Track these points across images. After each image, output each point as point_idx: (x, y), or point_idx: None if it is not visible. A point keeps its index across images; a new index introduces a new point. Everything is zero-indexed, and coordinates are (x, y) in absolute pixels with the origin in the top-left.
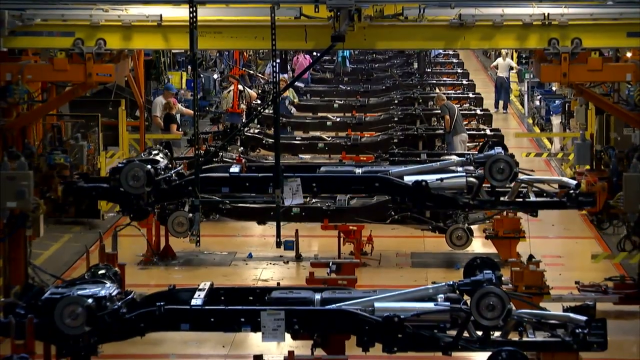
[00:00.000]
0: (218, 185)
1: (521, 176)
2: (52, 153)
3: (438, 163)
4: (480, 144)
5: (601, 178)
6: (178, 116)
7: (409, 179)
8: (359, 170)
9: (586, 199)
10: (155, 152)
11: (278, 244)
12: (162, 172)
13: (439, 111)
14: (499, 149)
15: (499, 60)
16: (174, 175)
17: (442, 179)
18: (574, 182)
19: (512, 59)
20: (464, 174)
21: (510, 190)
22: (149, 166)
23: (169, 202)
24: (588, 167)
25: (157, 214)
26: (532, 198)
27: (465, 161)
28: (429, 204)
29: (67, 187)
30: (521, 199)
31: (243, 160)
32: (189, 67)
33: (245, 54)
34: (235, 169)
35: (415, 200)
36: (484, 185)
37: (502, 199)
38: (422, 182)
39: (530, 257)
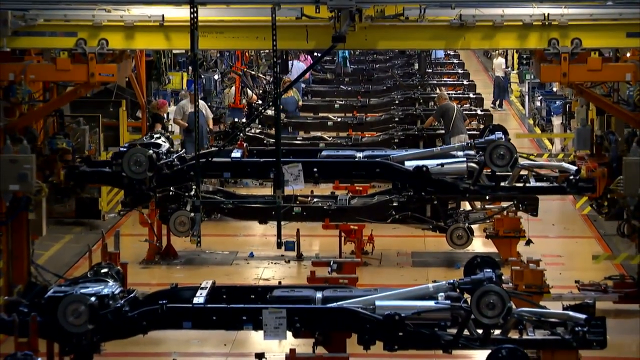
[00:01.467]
0: (220, 170)
1: (522, 161)
2: (54, 137)
3: (439, 147)
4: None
5: (601, 163)
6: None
7: (409, 164)
8: (360, 155)
9: (586, 184)
10: (157, 135)
11: (279, 245)
12: (164, 157)
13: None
14: (499, 134)
15: (494, 60)
16: (175, 159)
17: (442, 164)
18: (574, 167)
19: (504, 58)
20: (465, 159)
21: (510, 175)
22: (151, 151)
23: (170, 202)
24: (588, 151)
25: (159, 213)
26: (533, 183)
27: (466, 146)
28: (430, 189)
29: (69, 172)
30: (521, 184)
31: (244, 145)
32: (190, 67)
33: (247, 54)
34: (236, 154)
35: (415, 185)
36: (484, 171)
37: (502, 184)
38: (422, 167)
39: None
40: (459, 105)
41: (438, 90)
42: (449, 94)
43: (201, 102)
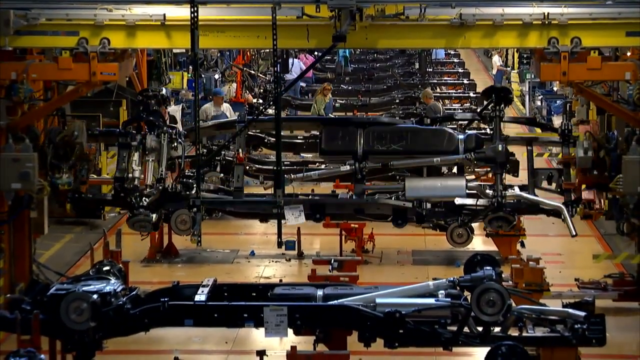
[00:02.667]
0: (220, 206)
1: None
2: (55, 177)
3: (439, 159)
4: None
5: (599, 184)
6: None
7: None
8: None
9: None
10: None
11: (279, 244)
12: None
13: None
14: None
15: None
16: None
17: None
18: (573, 231)
19: (500, 56)
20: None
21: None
22: (154, 216)
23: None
24: None
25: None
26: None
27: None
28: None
29: (74, 201)
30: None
31: (244, 158)
32: (190, 67)
33: (248, 53)
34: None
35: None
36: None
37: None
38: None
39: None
40: (459, 104)
41: (428, 89)
42: (449, 93)
43: (225, 105)
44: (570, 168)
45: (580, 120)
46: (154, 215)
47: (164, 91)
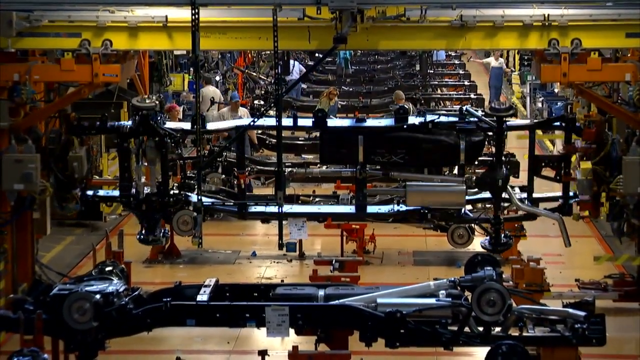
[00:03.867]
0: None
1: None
2: (62, 206)
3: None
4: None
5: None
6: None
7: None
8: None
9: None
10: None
11: (280, 246)
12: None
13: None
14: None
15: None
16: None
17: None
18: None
19: (493, 59)
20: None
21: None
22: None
23: None
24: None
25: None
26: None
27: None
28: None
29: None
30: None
31: (247, 175)
32: (191, 69)
33: (249, 55)
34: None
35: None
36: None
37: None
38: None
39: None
40: (459, 106)
41: (399, 91)
42: (450, 94)
43: (242, 109)
44: (571, 158)
45: (585, 124)
46: (164, 239)
47: (156, 103)
